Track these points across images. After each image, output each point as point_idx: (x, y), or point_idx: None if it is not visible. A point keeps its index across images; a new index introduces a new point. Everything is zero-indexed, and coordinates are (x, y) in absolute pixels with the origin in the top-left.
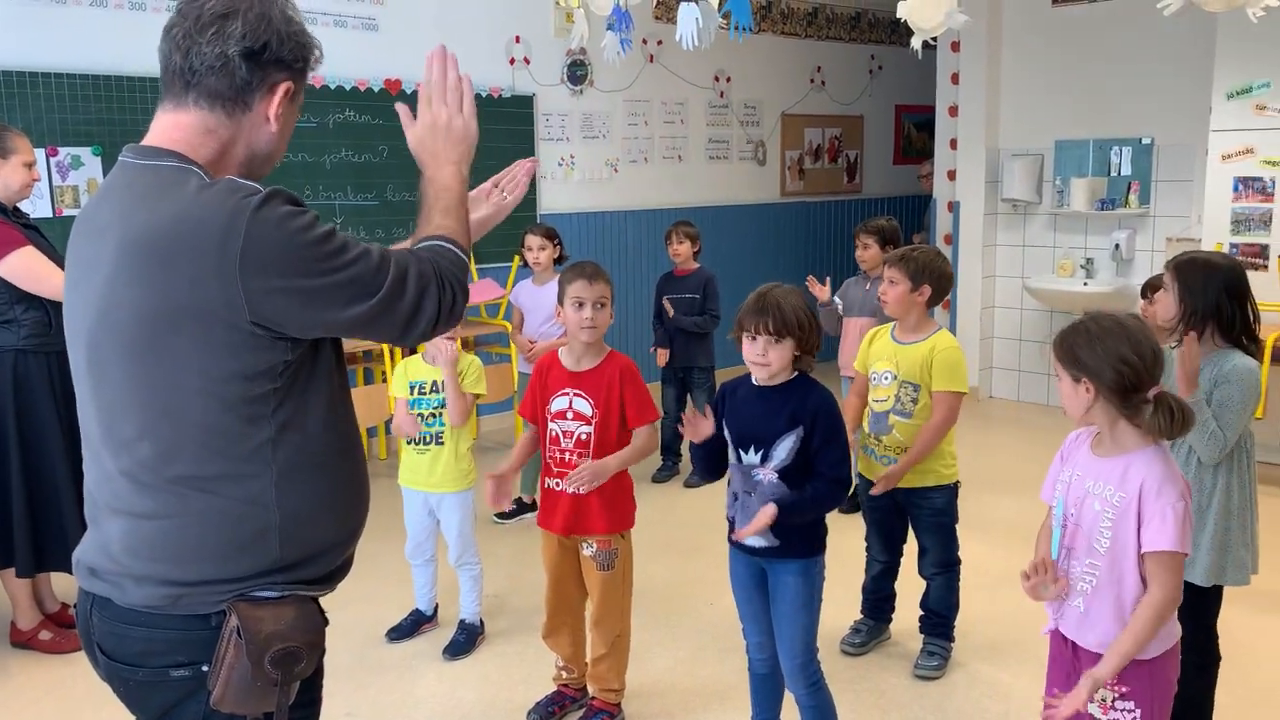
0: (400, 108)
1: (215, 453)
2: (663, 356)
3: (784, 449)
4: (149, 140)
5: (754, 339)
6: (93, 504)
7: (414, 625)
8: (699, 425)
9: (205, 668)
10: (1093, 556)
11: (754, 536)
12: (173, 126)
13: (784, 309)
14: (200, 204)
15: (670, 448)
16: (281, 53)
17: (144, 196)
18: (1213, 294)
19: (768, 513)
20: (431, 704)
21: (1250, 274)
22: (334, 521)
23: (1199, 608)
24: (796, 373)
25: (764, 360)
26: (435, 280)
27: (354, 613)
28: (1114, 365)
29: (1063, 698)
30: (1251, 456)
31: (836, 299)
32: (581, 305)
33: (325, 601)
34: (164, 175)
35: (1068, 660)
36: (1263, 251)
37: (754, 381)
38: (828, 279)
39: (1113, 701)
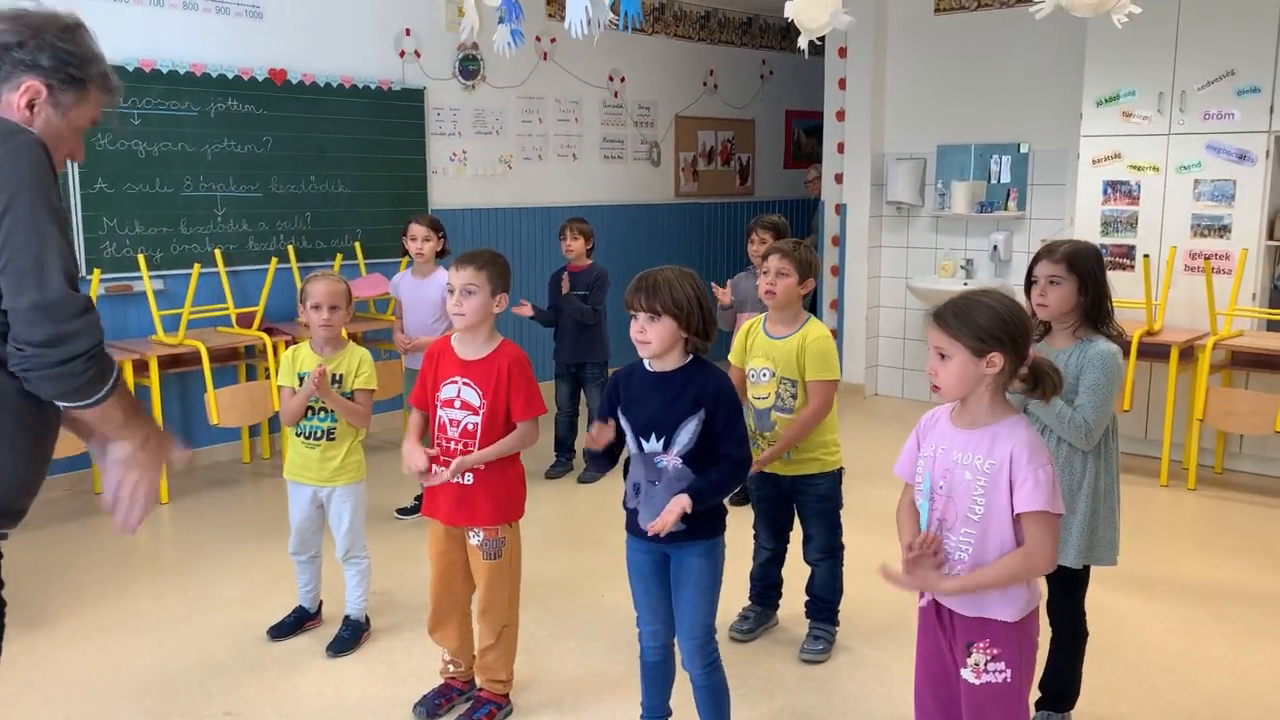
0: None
1: None
2: (526, 308)
3: (687, 433)
4: None
5: (635, 316)
6: None
7: (297, 623)
8: (601, 434)
9: None
10: (968, 525)
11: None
12: None
13: (661, 287)
14: None
15: (564, 444)
16: (37, 57)
17: None
18: (1102, 281)
19: (681, 503)
20: (314, 701)
21: (1117, 274)
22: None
23: (1070, 586)
24: (691, 356)
25: (644, 338)
26: (100, 348)
27: (233, 613)
28: (1022, 337)
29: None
30: (1116, 442)
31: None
32: (452, 291)
33: (203, 602)
34: None
35: (933, 622)
36: (1129, 252)
37: (647, 366)
38: (729, 283)
39: (985, 665)
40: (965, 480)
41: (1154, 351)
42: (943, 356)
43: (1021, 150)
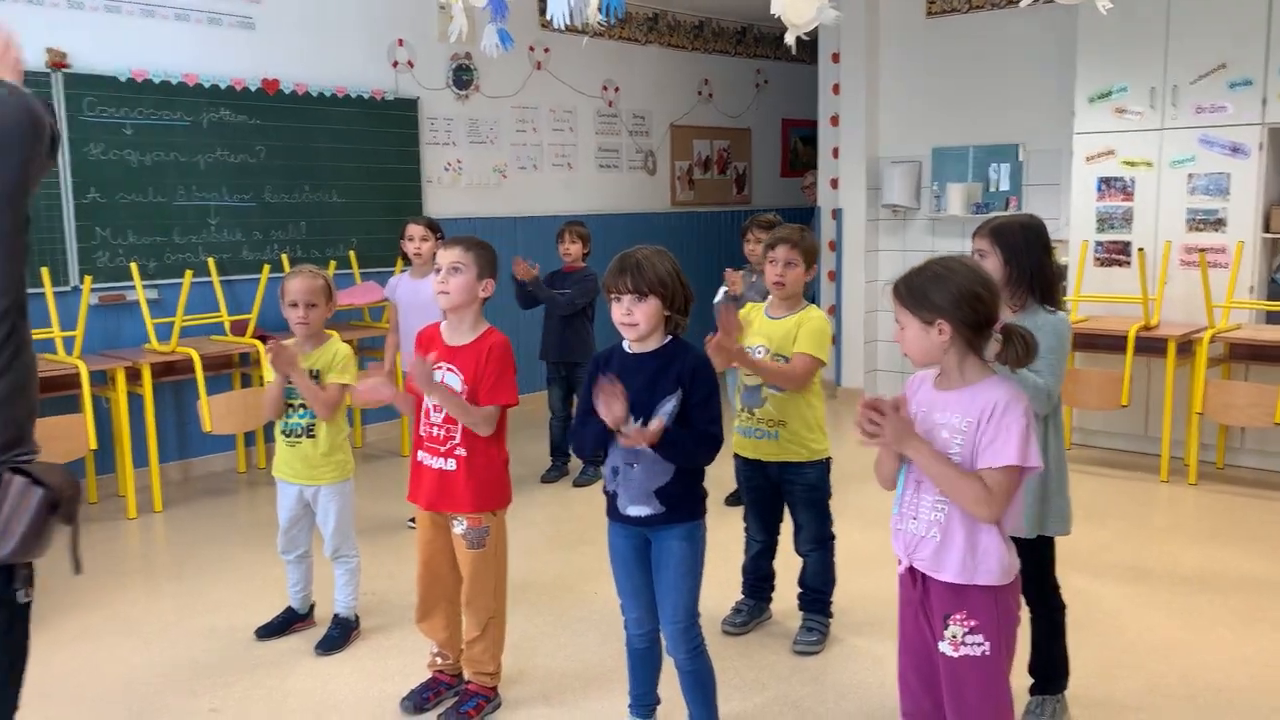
0: None
1: None
2: (522, 267)
3: (666, 413)
4: None
5: (619, 300)
6: None
7: (285, 623)
8: (613, 397)
9: None
10: None
11: (637, 506)
12: None
13: (644, 267)
14: None
15: (559, 448)
16: None
17: None
18: (1035, 253)
19: (654, 428)
20: (302, 698)
21: (1113, 270)
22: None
23: (1029, 558)
24: (670, 336)
25: (631, 320)
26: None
27: (223, 616)
28: (968, 302)
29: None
30: (1060, 411)
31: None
32: (438, 271)
33: (193, 606)
34: None
35: (917, 600)
36: (1125, 248)
37: (626, 349)
38: (739, 272)
39: (963, 637)
40: (942, 439)
41: (1152, 347)
42: (902, 327)
43: (1020, 158)
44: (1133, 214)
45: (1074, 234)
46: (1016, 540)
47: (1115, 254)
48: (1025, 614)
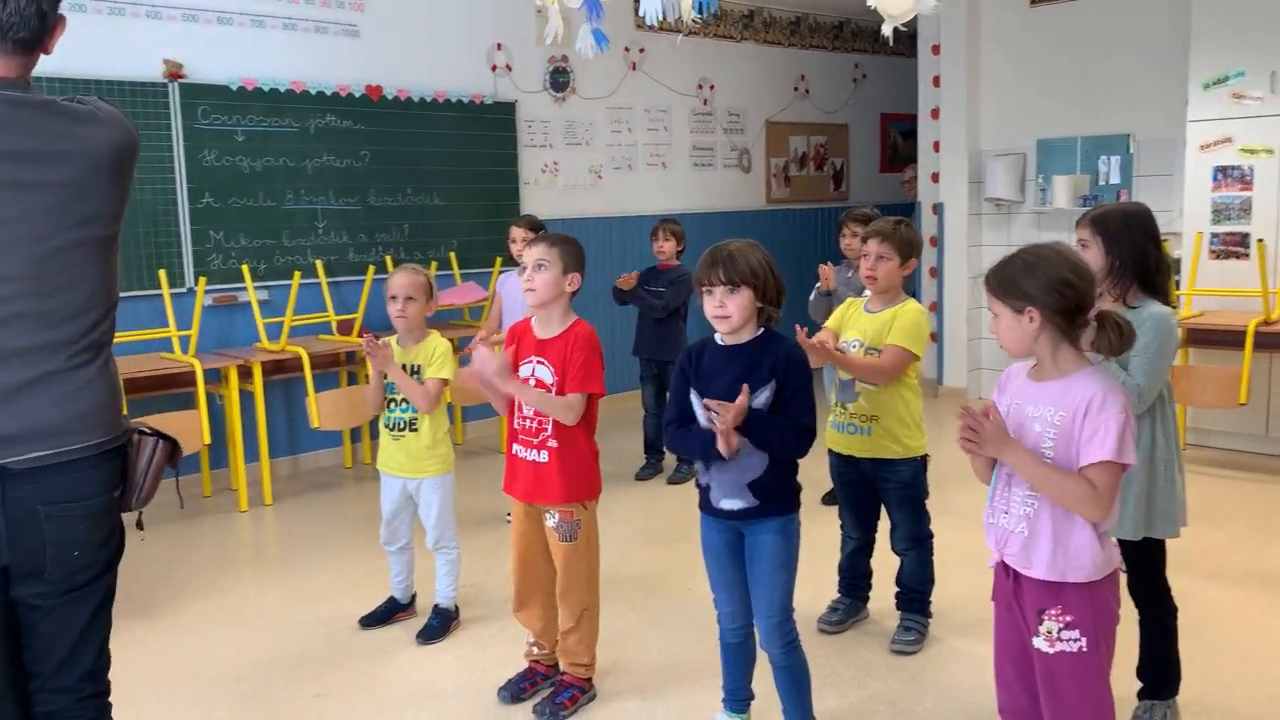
0: None
1: None
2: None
3: (758, 405)
4: None
5: (711, 292)
6: None
7: (388, 613)
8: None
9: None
10: None
11: (730, 499)
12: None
13: (736, 258)
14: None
15: (654, 445)
16: None
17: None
18: (1138, 242)
19: (741, 403)
20: (403, 685)
21: (1229, 263)
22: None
23: (1140, 562)
24: (762, 329)
25: (724, 312)
26: None
27: (329, 605)
28: (1058, 289)
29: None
30: (1173, 408)
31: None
32: (522, 270)
33: (301, 595)
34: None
35: (1009, 591)
36: (1243, 240)
37: (718, 341)
38: (833, 267)
39: (1058, 633)
40: (1034, 433)
41: (1272, 342)
42: (996, 316)
43: (1130, 150)
44: (1251, 204)
45: (1188, 225)
46: (1123, 542)
47: (1232, 246)
48: (1133, 616)
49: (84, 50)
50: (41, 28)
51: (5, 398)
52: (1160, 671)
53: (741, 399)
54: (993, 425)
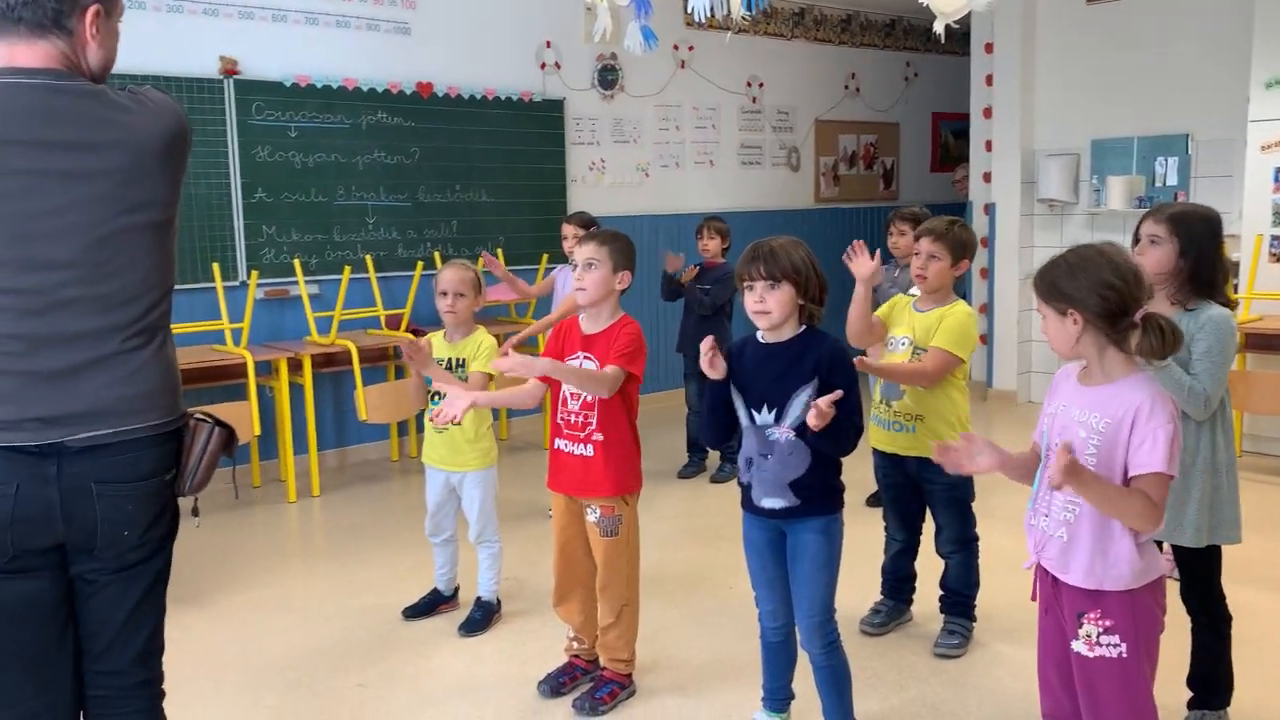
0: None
1: None
2: (674, 262)
3: (800, 404)
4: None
5: (752, 288)
6: None
7: (431, 605)
8: (716, 361)
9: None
10: None
11: (772, 498)
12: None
13: (777, 254)
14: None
15: (696, 443)
16: None
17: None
18: (1210, 247)
19: (826, 402)
20: (444, 676)
21: None
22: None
23: (1196, 568)
24: (804, 326)
25: (764, 307)
26: None
27: (374, 596)
28: (1099, 291)
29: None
30: (1230, 413)
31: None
32: (574, 267)
33: (346, 586)
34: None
35: (1047, 593)
36: None
37: (760, 339)
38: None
39: (1098, 637)
40: (1079, 439)
41: None
42: (1044, 317)
43: (1188, 150)
44: None
45: (1247, 228)
46: (1182, 549)
47: None
48: (1186, 623)
49: (141, 46)
50: (54, 6)
51: (63, 379)
52: (1212, 681)
53: (826, 401)
54: (1064, 459)
